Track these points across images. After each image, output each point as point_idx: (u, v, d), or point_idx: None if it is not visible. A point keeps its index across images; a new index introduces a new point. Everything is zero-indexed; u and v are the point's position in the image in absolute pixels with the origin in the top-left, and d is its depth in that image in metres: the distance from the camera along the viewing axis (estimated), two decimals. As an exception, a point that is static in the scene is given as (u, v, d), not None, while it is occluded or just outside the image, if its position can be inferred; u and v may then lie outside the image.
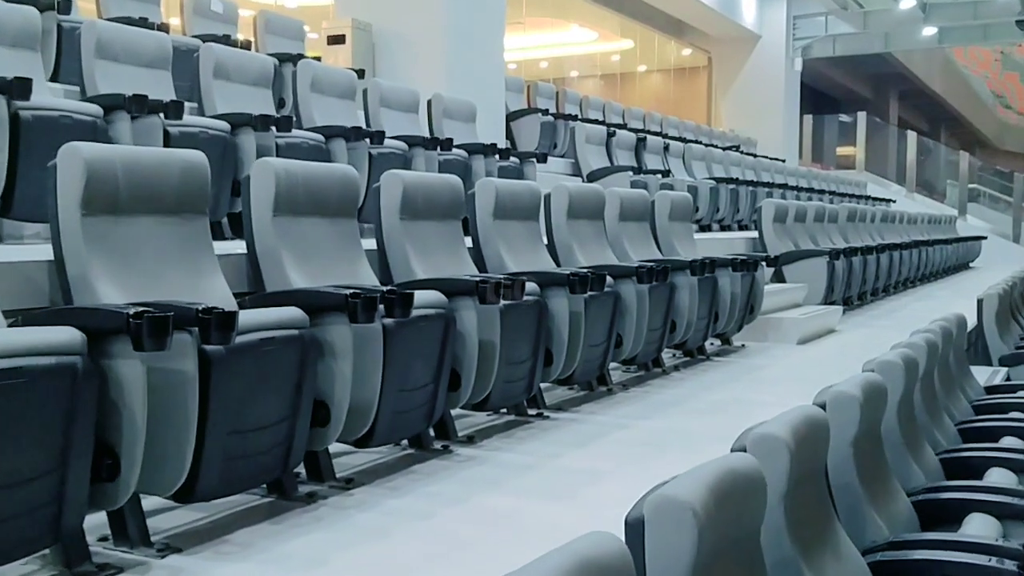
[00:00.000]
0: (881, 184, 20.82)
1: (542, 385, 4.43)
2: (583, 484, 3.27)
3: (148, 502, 2.63)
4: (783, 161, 16.76)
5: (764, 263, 6.43)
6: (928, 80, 29.61)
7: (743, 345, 6.60)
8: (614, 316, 4.66)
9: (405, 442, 3.58)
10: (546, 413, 4.28)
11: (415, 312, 3.20)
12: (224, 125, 4.77)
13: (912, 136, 21.65)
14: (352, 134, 5.51)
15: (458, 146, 6.78)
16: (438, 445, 3.62)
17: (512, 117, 10.57)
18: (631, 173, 9.12)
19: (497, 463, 3.46)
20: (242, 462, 2.67)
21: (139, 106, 4.29)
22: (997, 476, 3.54)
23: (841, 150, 23.68)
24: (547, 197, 5.30)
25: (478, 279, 3.59)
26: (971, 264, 16.79)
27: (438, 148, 6.22)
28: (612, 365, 5.16)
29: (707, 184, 10.41)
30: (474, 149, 6.72)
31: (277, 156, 4.91)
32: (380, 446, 3.24)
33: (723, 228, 10.93)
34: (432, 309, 3.38)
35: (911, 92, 30.99)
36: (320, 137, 5.43)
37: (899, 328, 7.13)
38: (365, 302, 2.92)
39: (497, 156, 6.85)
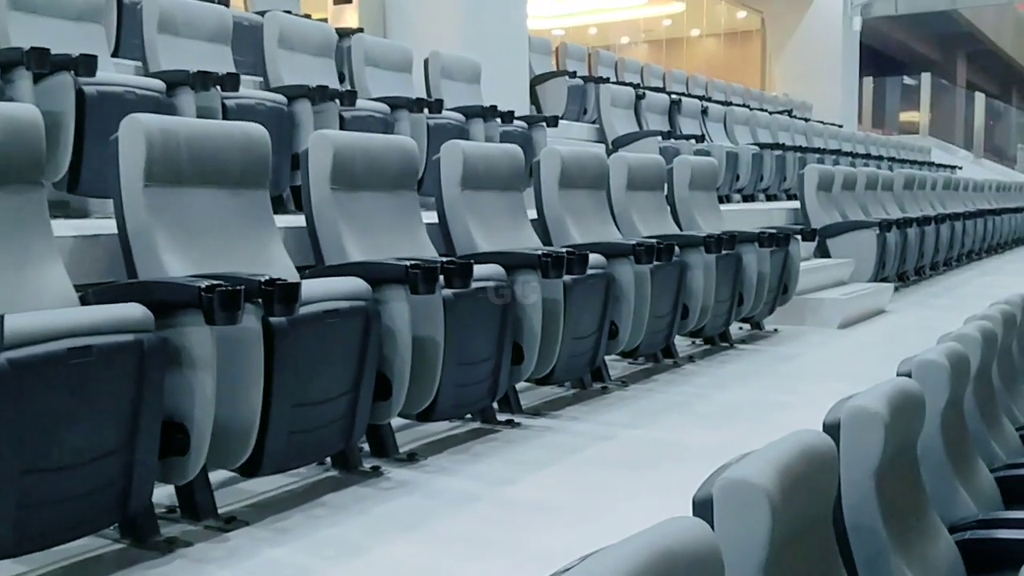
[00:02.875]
0: (947, 150, 19.63)
1: (517, 385, 3.78)
2: (525, 526, 2.59)
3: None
4: (840, 126, 15.73)
5: (800, 237, 5.64)
6: (998, 39, 27.99)
7: (776, 330, 5.83)
8: (607, 302, 3.95)
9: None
10: (517, 420, 3.60)
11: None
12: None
13: (980, 98, 20.40)
14: (317, 95, 4.84)
15: (455, 109, 6.09)
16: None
17: (537, 81, 9.83)
18: (660, 139, 8.32)
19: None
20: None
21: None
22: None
23: (904, 115, 22.48)
24: (536, 164, 4.59)
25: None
26: (1044, 234, 15.63)
27: (426, 110, 5.54)
28: (611, 358, 4.47)
29: (749, 150, 9.56)
30: (472, 112, 6.02)
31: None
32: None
33: (769, 198, 10.09)
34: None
35: (980, 53, 29.36)
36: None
37: (959, 309, 6.29)
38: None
39: (499, 120, 6.14)
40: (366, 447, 3.09)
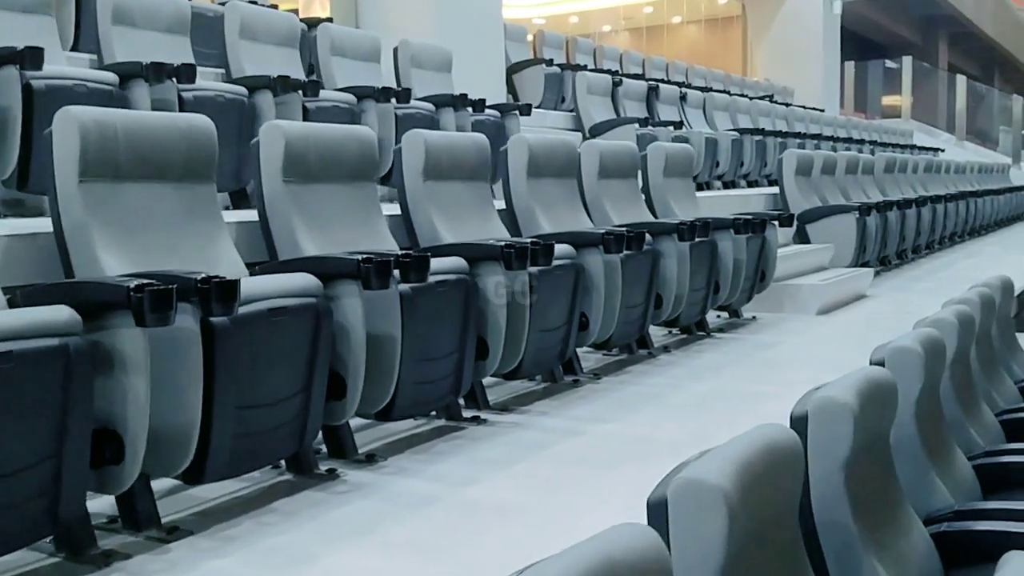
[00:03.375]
0: (929, 133, 19.58)
1: (486, 380, 3.68)
2: (482, 530, 2.49)
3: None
4: (821, 111, 15.65)
5: (777, 223, 5.54)
6: (979, 22, 27.95)
7: (754, 317, 5.74)
8: (576, 293, 3.84)
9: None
10: (484, 416, 3.49)
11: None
12: (241, 89, 4.52)
13: (962, 81, 20.36)
14: (279, 86, 4.71)
15: (424, 98, 5.97)
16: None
17: (513, 70, 9.70)
18: (637, 126, 8.21)
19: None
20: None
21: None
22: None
23: (887, 98, 22.39)
24: (503, 153, 4.48)
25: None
26: (1027, 215, 15.61)
27: (393, 100, 5.41)
28: (584, 350, 4.37)
29: (729, 136, 9.46)
30: (441, 101, 5.89)
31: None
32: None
33: (750, 184, 10.00)
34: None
35: (962, 35, 29.33)
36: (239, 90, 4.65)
37: (940, 292, 6.21)
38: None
39: (470, 109, 6.02)
40: (325, 448, 2.99)
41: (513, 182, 4.43)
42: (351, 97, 5.19)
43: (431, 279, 3.06)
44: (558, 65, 9.83)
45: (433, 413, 3.45)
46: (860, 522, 2.30)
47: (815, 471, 2.29)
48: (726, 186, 9.77)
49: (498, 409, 3.59)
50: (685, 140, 8.55)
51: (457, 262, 3.27)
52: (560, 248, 3.82)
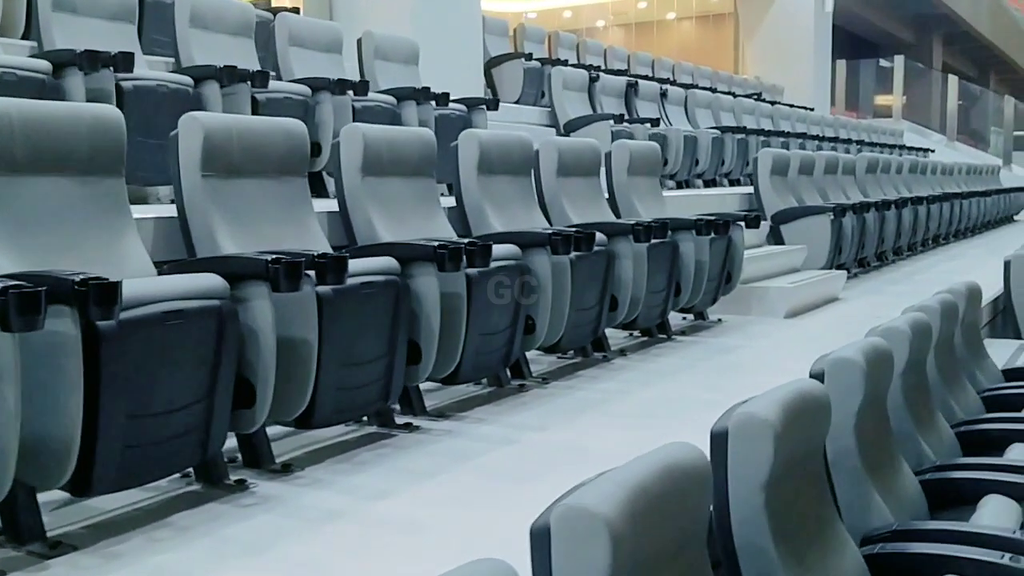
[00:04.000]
0: (920, 133, 19.46)
1: (428, 385, 3.55)
2: (381, 550, 2.36)
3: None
4: (811, 110, 15.50)
5: (743, 223, 5.41)
6: (975, 22, 27.81)
7: (719, 320, 5.61)
8: (520, 295, 3.70)
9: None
10: (417, 423, 3.35)
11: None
12: (186, 79, 4.58)
13: (953, 81, 20.21)
14: (225, 76, 4.57)
15: (387, 91, 5.84)
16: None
17: (492, 64, 9.56)
18: (612, 122, 8.07)
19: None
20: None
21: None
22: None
23: (881, 98, 22.27)
24: (454, 149, 4.34)
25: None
26: (1015, 217, 15.49)
27: (350, 92, 5.27)
28: (537, 352, 4.24)
29: (709, 134, 9.33)
30: (403, 94, 5.75)
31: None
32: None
33: (732, 183, 9.87)
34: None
35: (957, 35, 29.19)
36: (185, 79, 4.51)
37: (915, 295, 6.07)
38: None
39: (434, 102, 5.87)
40: (241, 458, 2.85)
41: (463, 179, 4.29)
42: (305, 89, 5.05)
43: (356, 280, 2.93)
44: (538, 59, 9.69)
45: (365, 419, 3.32)
46: (783, 546, 2.18)
47: (734, 491, 2.16)
48: (707, 185, 9.64)
49: (434, 415, 3.46)
50: (663, 137, 8.43)
51: (387, 263, 3.13)
52: (505, 249, 3.70)
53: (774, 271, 6.42)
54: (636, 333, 5.11)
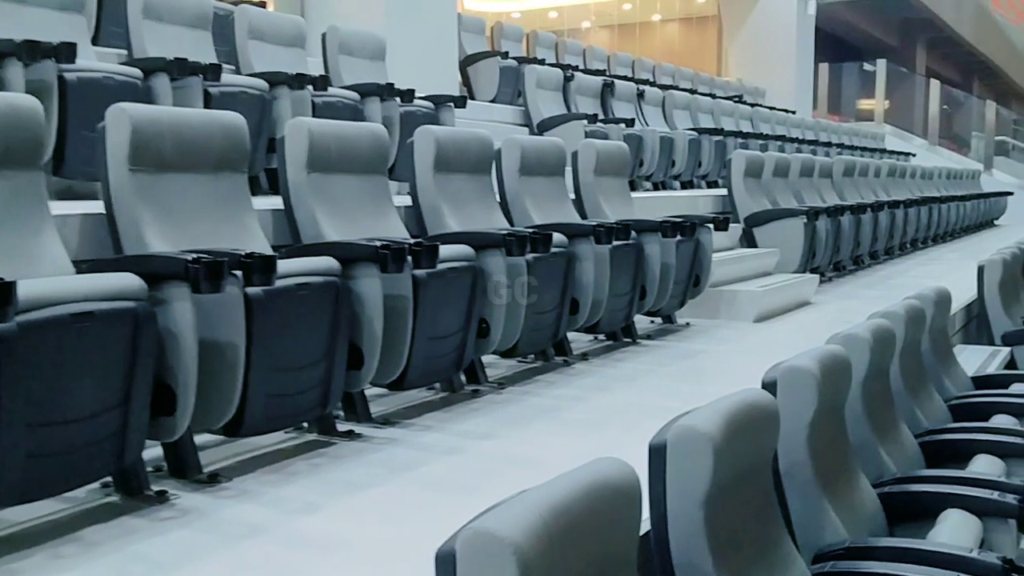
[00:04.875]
0: (902, 137, 19.39)
1: (376, 390, 3.42)
2: (298, 571, 2.22)
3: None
4: (792, 112, 15.43)
5: (711, 226, 5.29)
6: (958, 27, 27.83)
7: (687, 324, 5.49)
8: (473, 298, 3.57)
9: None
10: (360, 430, 3.21)
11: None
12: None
13: (936, 85, 20.18)
14: (176, 69, 4.41)
15: (350, 87, 5.69)
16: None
17: (467, 62, 9.43)
18: (586, 122, 7.94)
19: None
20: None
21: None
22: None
23: (864, 102, 22.18)
24: (409, 146, 4.21)
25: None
26: (995, 222, 15.45)
27: (310, 87, 5.13)
28: (494, 356, 4.11)
29: (686, 135, 9.22)
30: (367, 90, 5.61)
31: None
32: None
33: (709, 185, 9.76)
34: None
35: (941, 40, 29.20)
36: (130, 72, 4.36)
37: (888, 300, 5.97)
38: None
39: (399, 99, 5.73)
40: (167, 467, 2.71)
41: (419, 177, 4.15)
42: (262, 83, 4.91)
43: (291, 281, 2.80)
44: (514, 58, 9.56)
45: (305, 426, 3.18)
46: (723, 565, 2.08)
47: (673, 508, 2.04)
48: (684, 187, 9.53)
49: (380, 422, 3.32)
50: (638, 139, 8.31)
51: (326, 263, 3.00)
52: (457, 250, 3.57)
53: (745, 274, 6.31)
54: (601, 337, 4.99)
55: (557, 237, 4.09)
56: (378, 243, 3.07)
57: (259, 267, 2.55)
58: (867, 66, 22.54)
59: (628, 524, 1.73)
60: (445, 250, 3.41)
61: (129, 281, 2.37)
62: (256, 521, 2.40)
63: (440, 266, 3.35)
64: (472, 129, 4.62)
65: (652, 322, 5.47)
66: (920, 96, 21.23)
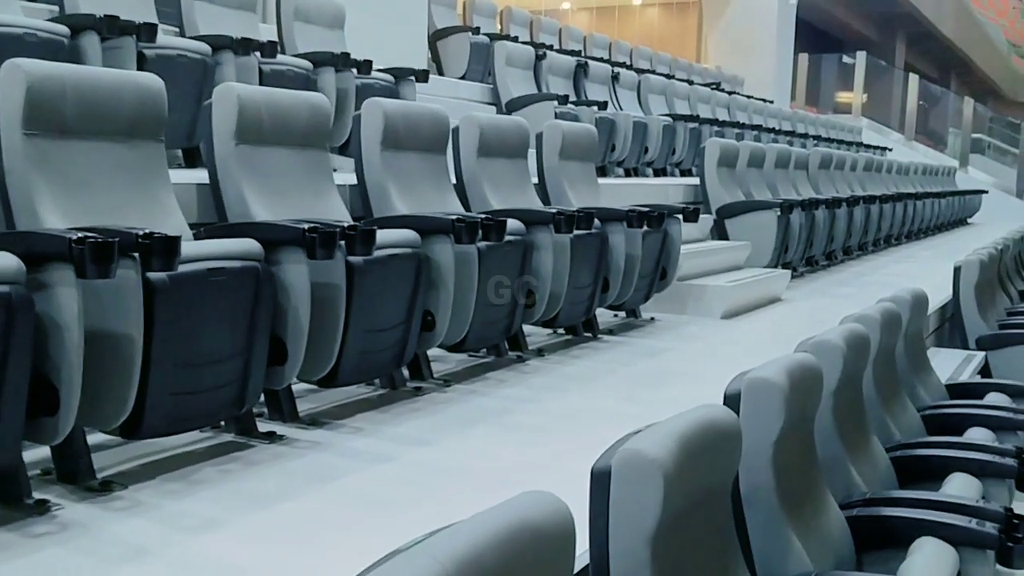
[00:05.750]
0: (880, 131, 19.24)
1: (305, 388, 3.12)
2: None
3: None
4: (770, 102, 15.20)
5: (680, 216, 5.02)
6: (938, 22, 27.74)
7: (652, 319, 5.23)
8: (417, 288, 3.28)
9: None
10: (284, 432, 2.92)
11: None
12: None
13: (914, 80, 20.03)
14: (106, 27, 4.07)
15: (303, 55, 5.36)
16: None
17: (437, 36, 9.09)
18: (557, 103, 7.64)
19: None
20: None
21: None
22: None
23: (843, 94, 22.02)
24: (356, 119, 3.90)
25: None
26: (969, 220, 15.33)
27: (257, 54, 4.79)
28: (442, 351, 3.82)
29: (661, 121, 8.95)
30: (320, 59, 5.28)
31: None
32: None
33: (683, 173, 9.50)
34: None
35: (920, 35, 29.13)
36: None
37: (861, 298, 5.77)
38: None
39: (355, 70, 5.41)
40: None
41: (366, 154, 3.84)
42: (204, 47, 4.57)
43: (201, 266, 2.49)
44: (486, 34, 9.23)
45: (223, 425, 2.88)
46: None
47: (615, 543, 1.78)
48: (657, 174, 9.27)
49: (307, 423, 3.02)
50: (610, 123, 8.03)
51: (247, 246, 2.69)
52: (400, 235, 3.27)
53: (715, 268, 6.05)
54: (560, 331, 4.71)
55: (514, 224, 3.80)
56: (306, 225, 2.76)
57: (159, 249, 2.24)
58: (847, 58, 22.37)
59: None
60: (386, 235, 3.11)
61: (7, 261, 2.05)
62: (143, 541, 2.10)
63: (380, 252, 3.06)
64: (429, 104, 4.31)
65: (615, 316, 5.21)
66: (898, 90, 21.10)
